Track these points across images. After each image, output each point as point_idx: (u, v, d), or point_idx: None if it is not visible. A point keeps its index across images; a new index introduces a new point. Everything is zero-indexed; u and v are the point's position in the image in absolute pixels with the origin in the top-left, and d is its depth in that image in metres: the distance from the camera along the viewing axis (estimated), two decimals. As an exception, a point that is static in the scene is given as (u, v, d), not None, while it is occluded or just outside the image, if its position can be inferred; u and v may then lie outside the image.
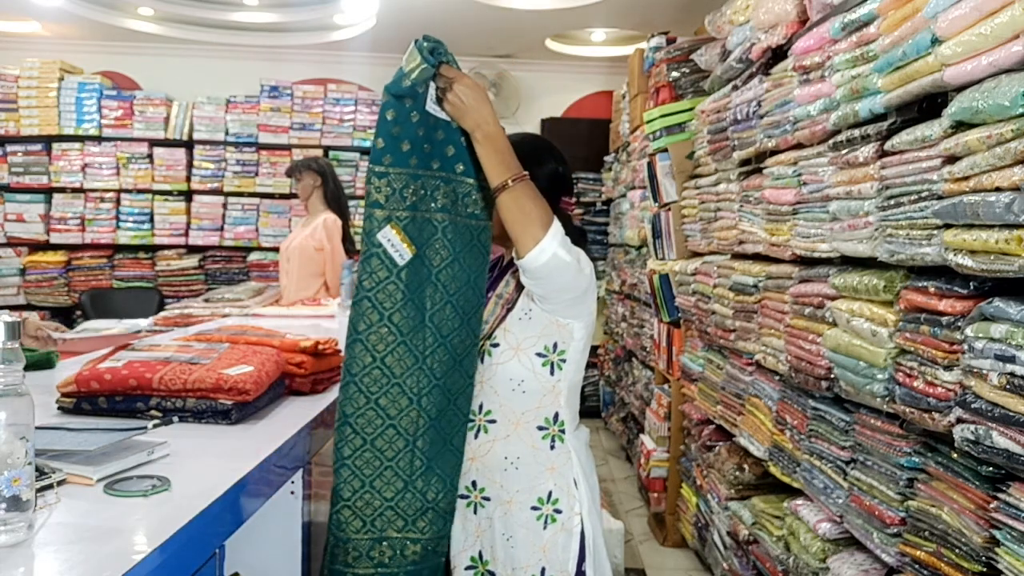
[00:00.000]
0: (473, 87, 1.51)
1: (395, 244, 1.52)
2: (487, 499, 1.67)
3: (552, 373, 1.65)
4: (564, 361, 1.65)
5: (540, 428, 1.66)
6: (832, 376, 2.06)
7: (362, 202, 6.62)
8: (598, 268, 6.07)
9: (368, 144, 6.28)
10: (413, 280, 1.54)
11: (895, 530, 1.77)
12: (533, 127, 6.53)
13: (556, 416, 1.67)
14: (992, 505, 1.43)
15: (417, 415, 1.56)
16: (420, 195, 1.54)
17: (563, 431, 1.67)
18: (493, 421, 1.67)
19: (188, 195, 6.32)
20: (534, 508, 1.64)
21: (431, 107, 1.53)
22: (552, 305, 1.61)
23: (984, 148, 1.39)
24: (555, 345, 1.64)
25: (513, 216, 1.50)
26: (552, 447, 1.66)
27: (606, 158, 6.36)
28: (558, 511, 1.65)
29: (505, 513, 1.65)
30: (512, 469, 1.65)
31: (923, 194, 1.63)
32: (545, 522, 1.65)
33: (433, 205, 1.56)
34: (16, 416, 0.93)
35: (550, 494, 1.65)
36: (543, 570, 1.63)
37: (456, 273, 1.58)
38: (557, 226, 1.51)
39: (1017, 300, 1.36)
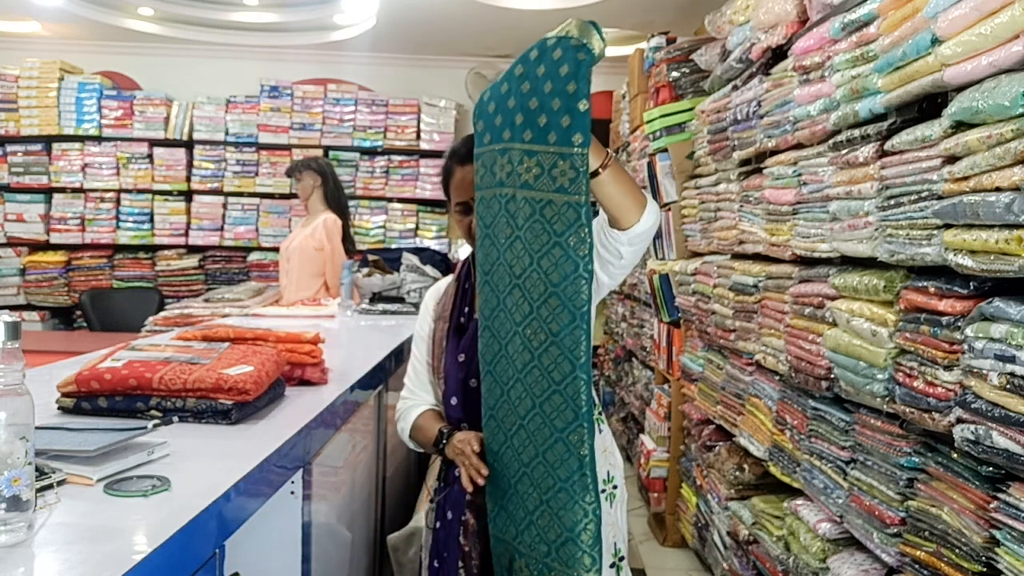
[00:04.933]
0: None
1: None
2: None
3: None
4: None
5: None
6: (832, 376, 2.06)
7: (362, 202, 6.59)
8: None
9: (368, 144, 6.29)
10: (485, 262, 1.57)
11: (895, 530, 1.77)
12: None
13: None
14: (992, 505, 1.43)
15: (510, 411, 1.54)
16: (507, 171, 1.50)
17: (600, 413, 1.72)
18: None
19: (188, 195, 6.33)
20: (601, 491, 1.64)
21: None
22: (624, 271, 1.63)
23: (984, 148, 1.39)
24: None
25: (619, 190, 1.50)
26: (600, 430, 1.70)
27: (606, 158, 6.34)
28: (615, 487, 1.72)
29: None
30: None
31: (923, 194, 1.63)
32: (610, 501, 1.70)
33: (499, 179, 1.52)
34: (16, 416, 0.93)
35: (608, 473, 1.71)
36: (614, 544, 1.69)
37: (519, 253, 1.49)
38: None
39: (1017, 300, 1.36)
